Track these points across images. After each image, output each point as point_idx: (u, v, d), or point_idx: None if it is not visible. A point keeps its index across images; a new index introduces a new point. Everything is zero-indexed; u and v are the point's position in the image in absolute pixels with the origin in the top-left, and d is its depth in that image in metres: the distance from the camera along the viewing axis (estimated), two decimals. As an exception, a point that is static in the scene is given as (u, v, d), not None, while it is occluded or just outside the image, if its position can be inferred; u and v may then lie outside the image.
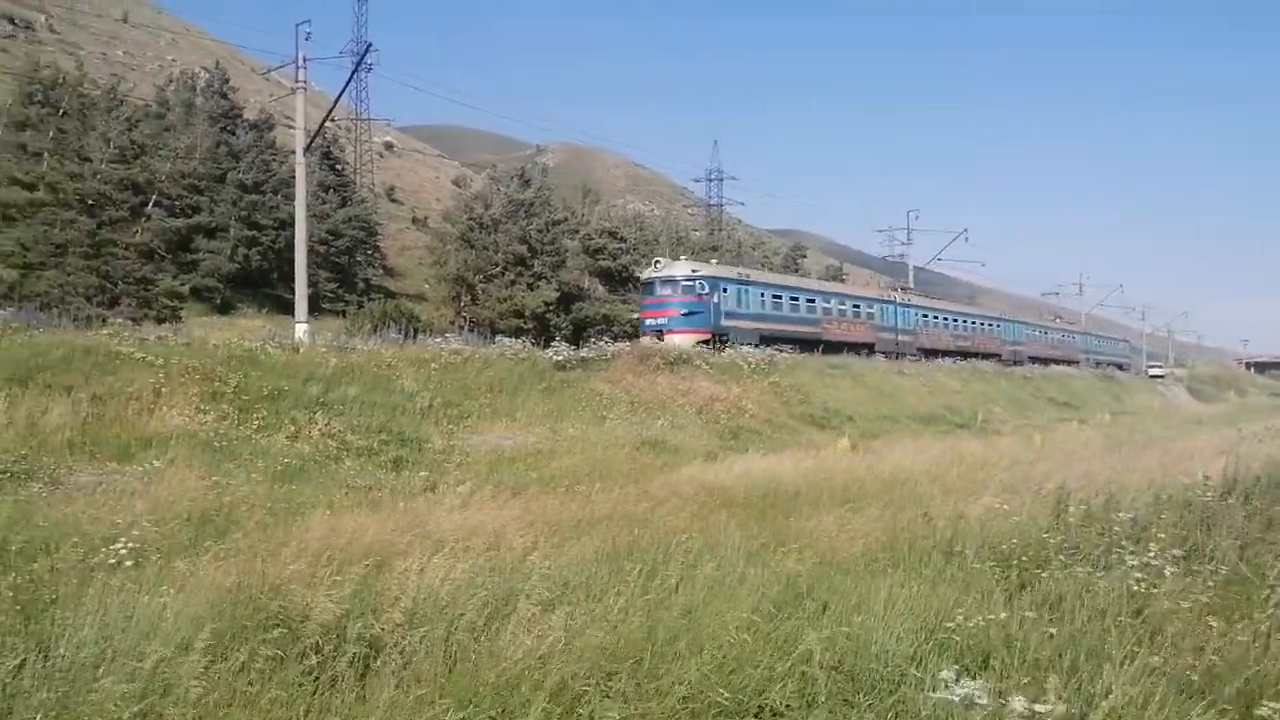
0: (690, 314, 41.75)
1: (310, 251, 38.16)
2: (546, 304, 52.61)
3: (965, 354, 61.09)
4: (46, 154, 43.22)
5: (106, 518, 11.29)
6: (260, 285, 54.40)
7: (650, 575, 7.82)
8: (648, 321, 43.40)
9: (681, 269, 43.51)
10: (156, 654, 5.72)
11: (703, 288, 42.33)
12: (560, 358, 30.26)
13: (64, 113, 45.37)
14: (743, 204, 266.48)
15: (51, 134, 44.24)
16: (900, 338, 56.92)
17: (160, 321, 33.77)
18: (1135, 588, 7.23)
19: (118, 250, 39.35)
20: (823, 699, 5.08)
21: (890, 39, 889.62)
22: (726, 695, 5.60)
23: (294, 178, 38.17)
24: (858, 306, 54.72)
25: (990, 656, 6.15)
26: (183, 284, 44.45)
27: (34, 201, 40.12)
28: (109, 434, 17.51)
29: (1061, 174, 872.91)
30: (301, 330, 30.56)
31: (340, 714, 5.46)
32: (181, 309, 41.42)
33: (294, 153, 39.80)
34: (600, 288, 62.70)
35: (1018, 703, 4.75)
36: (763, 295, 46.71)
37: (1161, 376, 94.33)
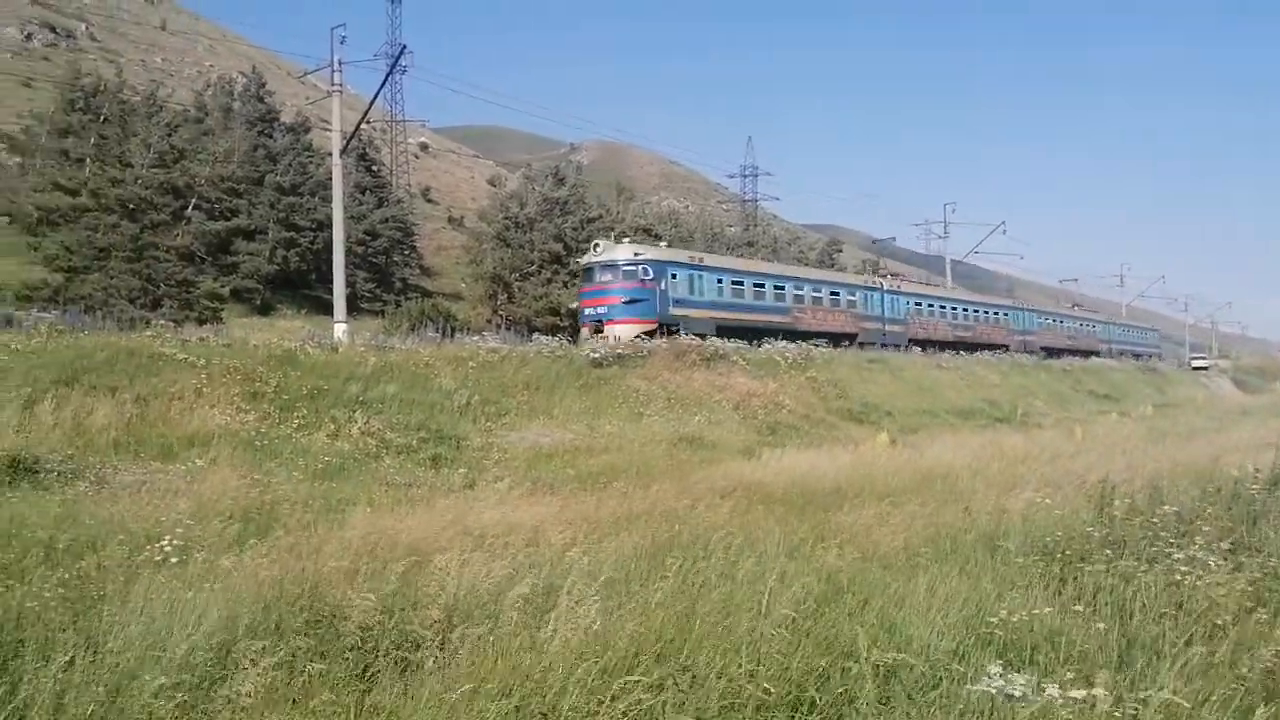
0: (632, 302, 37.91)
1: (348, 252, 38.46)
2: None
3: (966, 346, 56.66)
4: (89, 160, 43.89)
5: (151, 516, 11.43)
6: (299, 286, 54.94)
7: (690, 571, 7.80)
8: (586, 311, 39.80)
9: (622, 252, 39.61)
10: (201, 651, 5.78)
11: (647, 273, 38.44)
12: (597, 355, 30.31)
13: (105, 119, 46.05)
14: (778, 199, 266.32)
15: (93, 140, 44.92)
16: (888, 328, 52.23)
17: (201, 323, 34.17)
18: (1180, 580, 7.12)
19: (159, 253, 39.87)
20: (871, 694, 5.03)
21: (929, 35, 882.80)
22: (769, 689, 5.57)
23: (331, 180, 38.51)
24: (836, 294, 49.93)
25: (1035, 651, 6.07)
26: (223, 286, 44.95)
27: (77, 207, 40.72)
28: (152, 433, 17.76)
29: (1103, 165, 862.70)
30: (340, 330, 30.82)
31: (383, 710, 5.48)
32: (222, 310, 41.89)
33: (331, 155, 40.13)
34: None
35: (1066, 695, 4.69)
36: (720, 281, 42.41)
37: (1205, 368, 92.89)
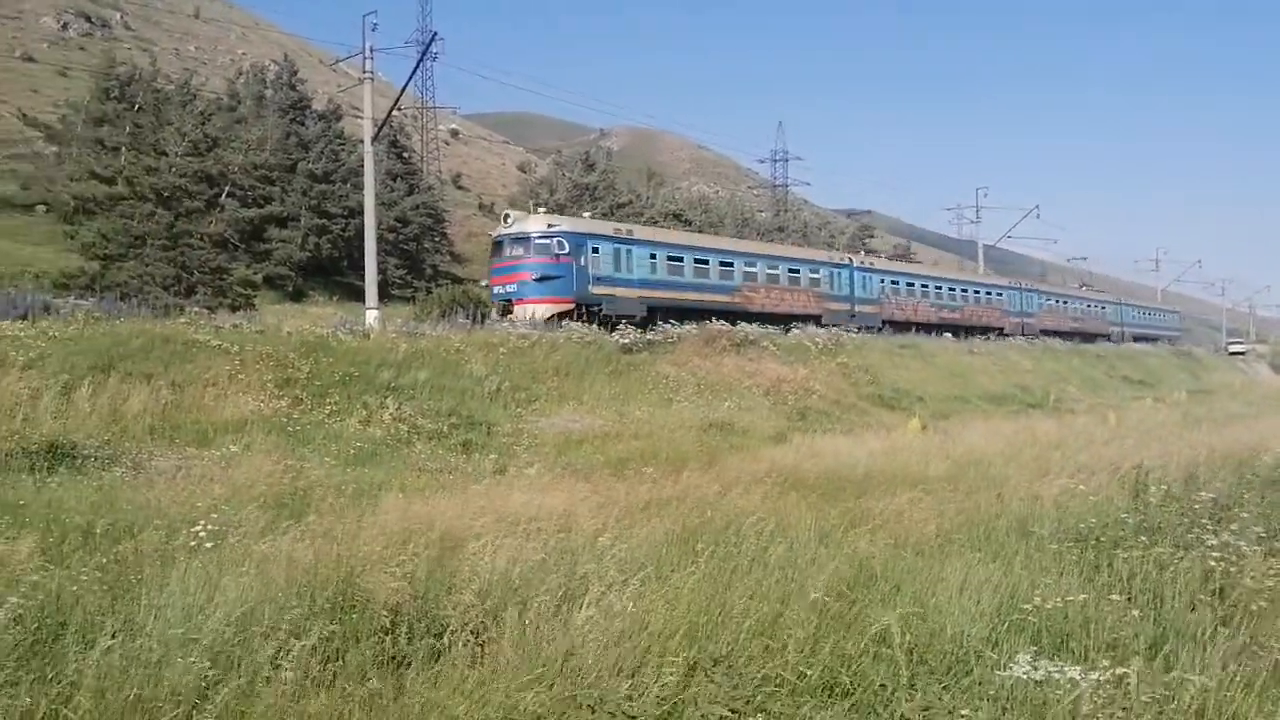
0: (545, 279, 34.16)
1: (379, 239, 38.61)
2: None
3: (952, 328, 52.41)
4: (124, 148, 44.31)
5: (187, 501, 11.57)
6: (331, 273, 55.28)
7: (721, 556, 7.80)
8: (495, 290, 36.32)
9: (534, 224, 35.67)
10: (236, 635, 5.85)
11: (562, 247, 34.40)
12: (626, 341, 30.33)
13: (139, 108, 46.50)
14: (808, 184, 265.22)
15: (128, 129, 45.33)
16: (858, 308, 47.36)
17: (235, 310, 34.43)
18: (1215, 567, 7.06)
19: (193, 241, 40.19)
20: (904, 681, 5.03)
21: (963, 19, 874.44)
22: (803, 673, 5.57)
23: (362, 167, 38.71)
24: (796, 271, 44.76)
25: (1069, 638, 6.04)
26: (256, 273, 45.31)
27: (113, 195, 41.16)
28: (187, 419, 17.95)
29: (1139, 148, 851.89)
30: (372, 316, 30.98)
31: (415, 694, 5.53)
32: (255, 297, 42.22)
33: (362, 142, 40.32)
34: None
35: (1100, 681, 4.66)
36: (653, 256, 37.78)
37: (1242, 353, 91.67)
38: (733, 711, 5.18)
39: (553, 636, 6.25)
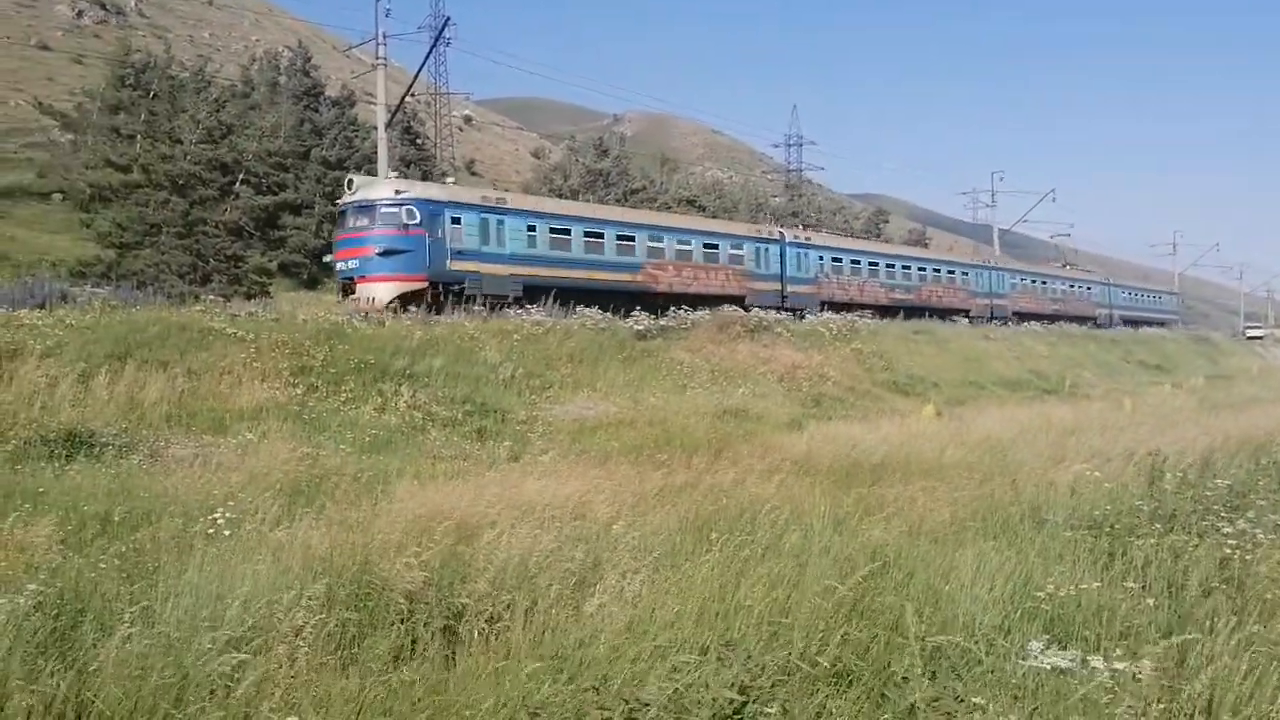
0: (390, 253, 29.96)
1: (393, 226, 38.58)
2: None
3: (906, 310, 47.49)
4: (139, 136, 44.49)
5: (203, 488, 11.66)
6: (345, 260, 55.34)
7: (735, 545, 7.82)
8: (338, 266, 32.06)
9: (381, 190, 31.43)
10: (253, 622, 5.91)
11: (412, 216, 30.21)
12: (640, 327, 30.32)
13: (154, 95, 46.62)
14: (823, 169, 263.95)
15: (143, 116, 45.50)
16: (791, 289, 42.94)
17: (250, 297, 34.60)
18: (1230, 555, 7.05)
19: (208, 229, 40.41)
20: (919, 670, 5.04)
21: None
22: (816, 662, 5.59)
23: (376, 153, 38.72)
24: (714, 246, 40.19)
25: (1081, 626, 6.05)
26: (271, 260, 45.55)
27: (128, 183, 41.36)
28: (204, 407, 18.06)
29: (1156, 133, 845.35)
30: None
31: (429, 681, 5.57)
32: (270, 284, 42.46)
33: (375, 128, 40.34)
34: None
35: (1110, 670, 4.67)
36: (530, 228, 33.44)
37: (1260, 337, 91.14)
38: (743, 695, 5.20)
39: (567, 624, 6.29)
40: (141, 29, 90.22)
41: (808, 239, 46.13)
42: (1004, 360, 42.58)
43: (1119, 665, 4.73)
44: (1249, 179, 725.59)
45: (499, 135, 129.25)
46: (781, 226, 48.49)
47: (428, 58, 43.45)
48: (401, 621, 6.43)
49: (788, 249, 43.49)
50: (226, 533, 8.17)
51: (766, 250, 42.45)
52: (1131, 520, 8.51)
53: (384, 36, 36.93)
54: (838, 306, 43.31)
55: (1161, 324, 77.76)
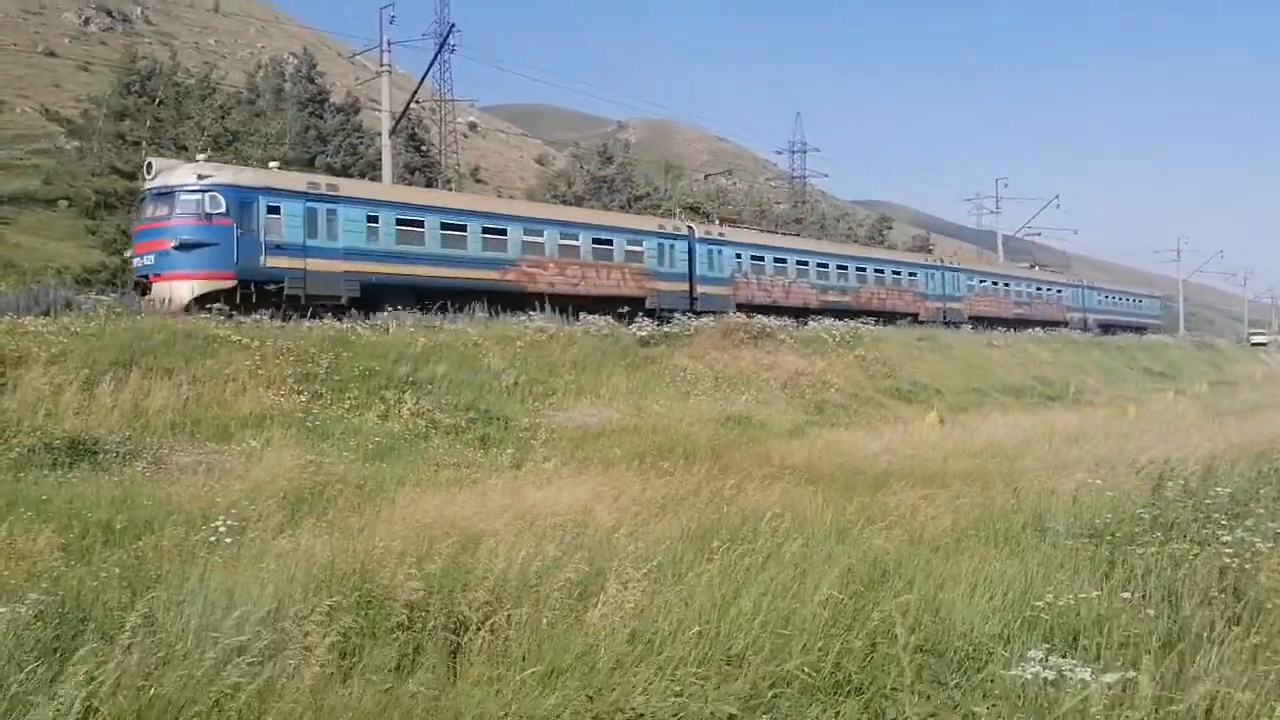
0: (189, 247, 25.91)
1: (397, 232, 38.62)
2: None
3: (839, 313, 42.98)
4: (144, 143, 44.55)
5: (207, 496, 11.68)
6: (350, 267, 55.40)
7: (737, 554, 7.84)
8: (134, 260, 28.29)
9: (182, 174, 27.09)
10: (256, 631, 5.92)
11: (216, 204, 26.16)
12: (644, 334, 30.35)
13: (160, 102, 46.75)
14: (826, 175, 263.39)
15: (149, 123, 45.61)
16: (702, 289, 38.88)
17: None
18: (1230, 564, 7.05)
19: (213, 236, 40.37)
20: (908, 680, 5.05)
21: (978, 7, 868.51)
22: (815, 672, 5.61)
23: (381, 160, 38.82)
24: (606, 243, 35.86)
25: (1080, 635, 6.05)
26: (276, 267, 45.45)
27: (134, 190, 41.32)
28: (208, 415, 18.10)
29: (1162, 138, 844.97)
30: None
31: (430, 691, 5.59)
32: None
33: (380, 135, 40.43)
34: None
35: (1106, 680, 4.67)
36: (372, 219, 29.33)
37: (1264, 344, 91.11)
38: (745, 707, 5.21)
39: (568, 634, 6.30)
40: (148, 36, 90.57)
41: (721, 234, 41.76)
42: (1007, 367, 42.55)
43: (1117, 675, 4.73)
44: (1252, 181, 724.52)
45: (503, 142, 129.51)
46: (692, 221, 43.96)
47: (432, 64, 43.75)
48: (403, 630, 6.44)
49: (697, 245, 39.32)
50: (229, 540, 8.20)
51: (672, 247, 38.18)
52: (1133, 528, 8.52)
53: (389, 44, 37.13)
54: (759, 309, 39.23)
55: (1142, 329, 73.97)
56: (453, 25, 46.00)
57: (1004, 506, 10.56)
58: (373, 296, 28.32)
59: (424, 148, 69.07)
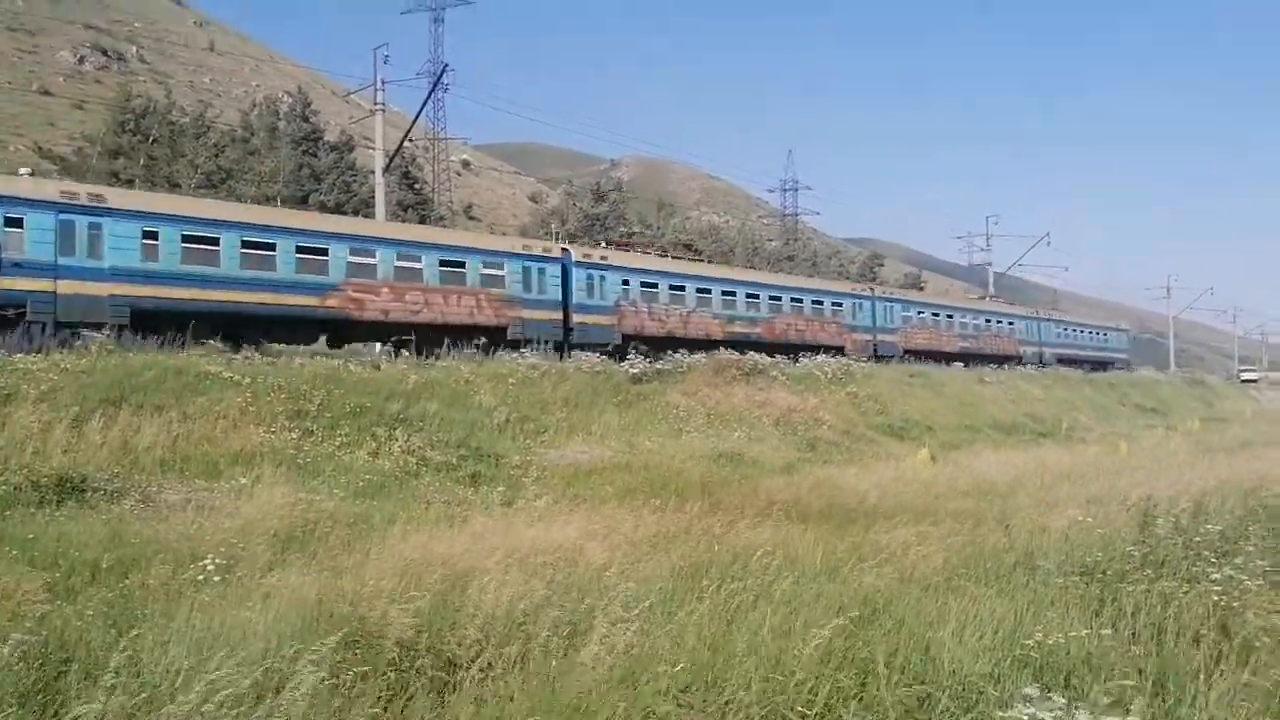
0: None
1: (390, 270, 38.70)
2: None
3: (749, 347, 38.06)
4: (138, 180, 44.72)
5: (196, 534, 11.62)
6: (342, 304, 55.44)
7: (727, 592, 7.81)
8: None
9: None
10: (245, 670, 5.87)
11: None
12: (636, 371, 30.36)
13: (154, 140, 46.95)
14: (818, 214, 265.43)
15: (143, 161, 45.80)
16: (580, 319, 35.18)
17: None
18: (1220, 601, 7.04)
19: (206, 273, 40.42)
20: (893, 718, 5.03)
21: (972, 44, 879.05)
22: (805, 712, 5.58)
23: (374, 198, 38.95)
24: (458, 265, 32.15)
25: (1071, 675, 6.03)
26: (268, 304, 45.50)
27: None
28: (198, 452, 18.01)
29: (1150, 176, 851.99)
30: (381, 347, 31.09)
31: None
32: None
33: (374, 173, 40.60)
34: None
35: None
36: (150, 235, 25.78)
37: (1255, 380, 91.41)
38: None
39: (557, 674, 6.27)
40: (143, 75, 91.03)
41: (603, 258, 37.62)
42: (999, 404, 42.63)
43: (1105, 716, 4.71)
44: (1242, 219, 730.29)
45: (497, 180, 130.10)
46: (569, 243, 40.22)
47: (426, 103, 43.83)
48: (394, 670, 6.40)
49: (574, 270, 35.47)
50: (217, 579, 8.15)
51: (541, 271, 34.35)
52: (1123, 566, 8.51)
53: (383, 83, 37.39)
54: (650, 342, 36.53)
55: (1108, 365, 71.08)
56: (446, 65, 46.20)
57: (995, 545, 10.56)
58: (149, 324, 24.13)
59: (417, 185, 69.42)
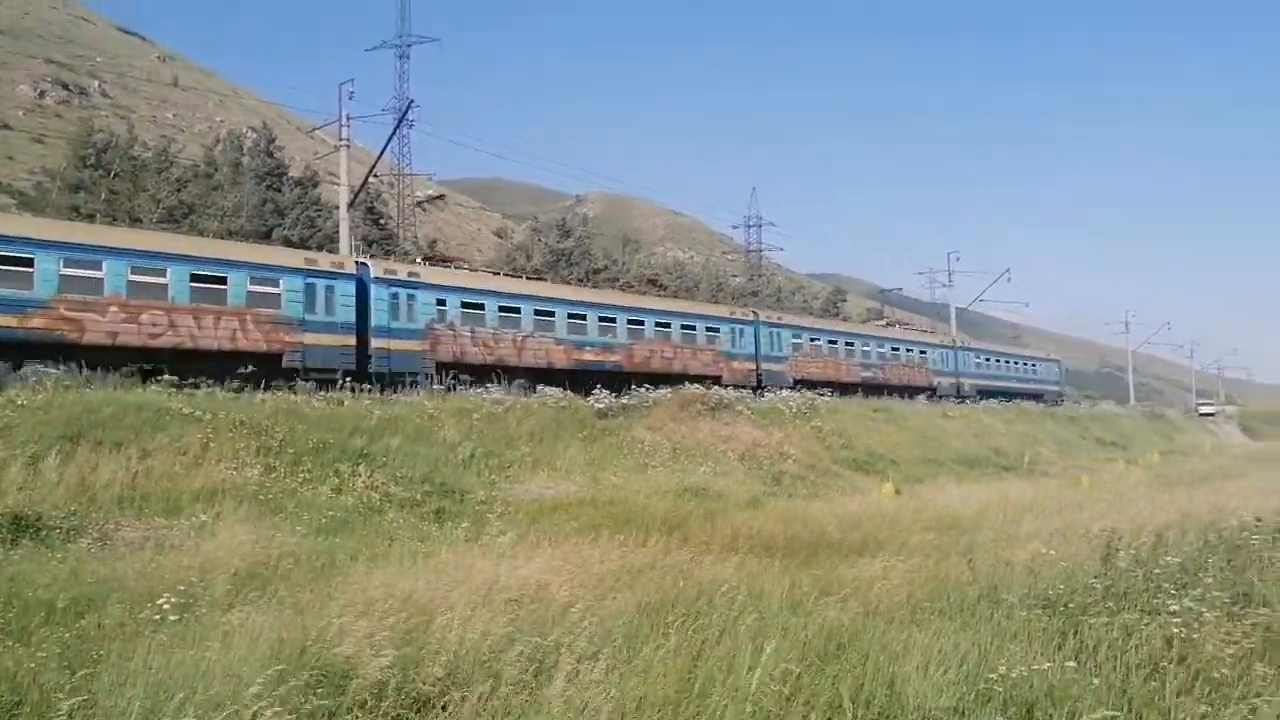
0: None
1: (354, 305, 38.51)
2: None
3: (604, 375, 35.65)
4: (98, 216, 44.34)
5: (154, 573, 11.44)
6: (306, 339, 55.06)
7: (692, 627, 7.80)
8: None
9: None
10: (204, 713, 5.78)
11: None
12: (601, 405, 30.34)
13: (115, 175, 46.63)
14: (782, 249, 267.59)
15: (104, 196, 45.43)
16: (380, 344, 30.88)
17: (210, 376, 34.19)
18: (1178, 632, 7.11)
19: (167, 308, 40.09)
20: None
21: (929, 72, 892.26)
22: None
23: (339, 233, 38.83)
24: (217, 281, 27.46)
25: (1034, 708, 6.06)
26: (230, 339, 45.12)
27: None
28: (157, 489, 17.77)
29: (1108, 214, 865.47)
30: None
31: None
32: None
33: (339, 208, 40.49)
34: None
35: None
36: None
37: (1212, 414, 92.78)
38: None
39: (523, 711, 6.22)
40: (104, 109, 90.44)
41: (413, 275, 32.93)
42: (962, 438, 42.95)
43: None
44: (1196, 255, 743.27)
45: (462, 215, 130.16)
46: (368, 259, 34.42)
47: (390, 139, 43.76)
48: (360, 708, 6.33)
49: (373, 287, 31.16)
50: (174, 619, 8.03)
51: (330, 289, 29.90)
52: (1085, 599, 8.58)
53: (348, 118, 37.36)
54: (473, 370, 32.72)
55: (1037, 396, 67.92)
56: (411, 101, 46.16)
57: (959, 578, 10.61)
58: None
59: (382, 220, 69.33)
